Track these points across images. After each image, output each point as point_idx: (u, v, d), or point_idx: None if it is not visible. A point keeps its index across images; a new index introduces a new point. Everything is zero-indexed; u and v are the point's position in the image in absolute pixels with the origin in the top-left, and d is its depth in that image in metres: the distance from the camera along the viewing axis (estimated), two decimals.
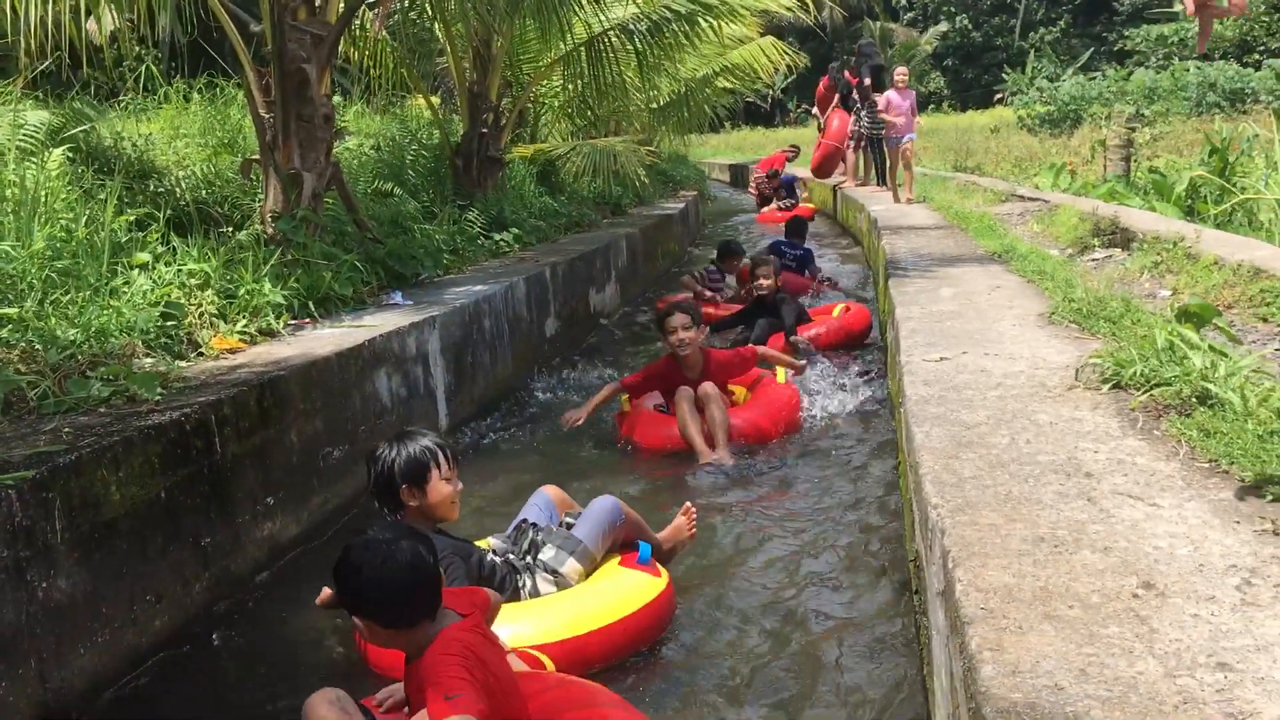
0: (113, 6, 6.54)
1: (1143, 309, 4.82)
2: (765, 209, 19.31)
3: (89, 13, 6.45)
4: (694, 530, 4.19)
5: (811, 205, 19.68)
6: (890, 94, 13.69)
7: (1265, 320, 4.85)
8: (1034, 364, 4.05)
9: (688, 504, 4.23)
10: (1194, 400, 3.17)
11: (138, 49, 10.69)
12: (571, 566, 3.73)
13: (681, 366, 6.02)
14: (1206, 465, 2.76)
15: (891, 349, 5.62)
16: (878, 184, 15.88)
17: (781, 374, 6.44)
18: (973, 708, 1.85)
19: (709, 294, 9.84)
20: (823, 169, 18.93)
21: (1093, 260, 7.66)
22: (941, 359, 4.26)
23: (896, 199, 13.57)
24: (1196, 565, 2.17)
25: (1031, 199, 12.07)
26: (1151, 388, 3.29)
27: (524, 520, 4.02)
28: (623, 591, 3.65)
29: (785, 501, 5.03)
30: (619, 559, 3.87)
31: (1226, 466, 2.72)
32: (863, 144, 16.49)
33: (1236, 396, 3.06)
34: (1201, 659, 1.82)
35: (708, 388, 5.79)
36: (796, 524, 4.67)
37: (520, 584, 3.70)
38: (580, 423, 6.00)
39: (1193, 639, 1.89)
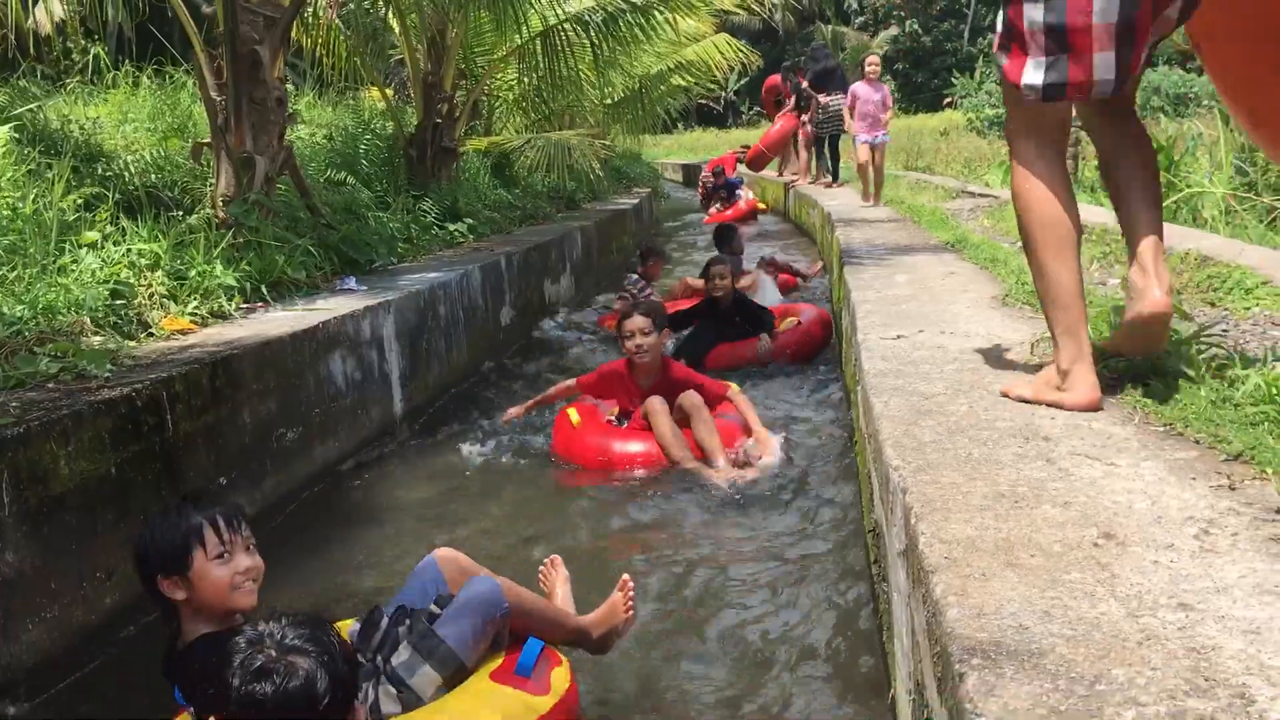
0: None
1: (1094, 293, 4.89)
2: (711, 209, 19.44)
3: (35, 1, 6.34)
4: (631, 610, 3.29)
5: (760, 204, 19.82)
6: (858, 86, 12.71)
7: (1213, 305, 4.94)
8: (989, 340, 4.09)
9: (625, 577, 3.32)
10: (1148, 370, 3.22)
11: (84, 42, 10.53)
12: (425, 677, 2.73)
13: (635, 374, 5.63)
14: (1162, 429, 2.80)
15: (847, 331, 5.65)
16: (827, 180, 16.00)
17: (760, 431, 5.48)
18: (938, 651, 1.86)
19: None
20: (753, 164, 20.30)
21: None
22: (898, 336, 4.29)
23: (867, 198, 12.58)
24: (1155, 517, 2.21)
25: (982, 195, 12.22)
26: (1107, 359, 3.34)
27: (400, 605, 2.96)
28: None
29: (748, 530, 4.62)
30: (497, 664, 2.84)
31: (1181, 430, 2.77)
32: (811, 145, 16.62)
33: (1189, 366, 3.11)
34: (1163, 600, 1.84)
35: (693, 398, 5.32)
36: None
37: (362, 697, 2.49)
38: (519, 418, 5.93)
39: (1153, 583, 1.91)
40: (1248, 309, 4.67)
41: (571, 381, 5.94)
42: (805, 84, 15.32)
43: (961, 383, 3.47)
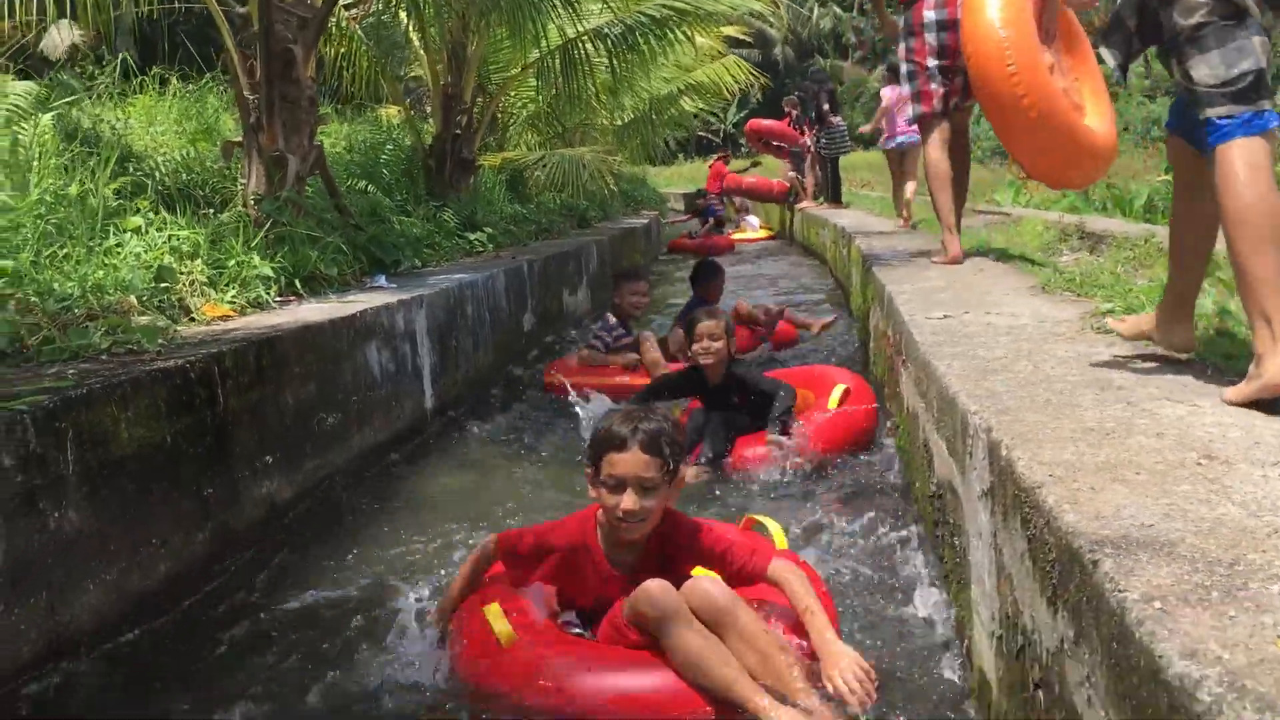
0: (70, 23, 6.47)
1: (1132, 280, 4.93)
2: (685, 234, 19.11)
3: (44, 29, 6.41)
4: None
5: (766, 228, 19.90)
6: (887, 91, 12.49)
7: None
8: (1038, 319, 4.12)
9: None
10: (1211, 333, 3.24)
11: (103, 51, 10.59)
12: None
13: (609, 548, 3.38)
14: (1237, 378, 2.82)
15: (885, 318, 5.63)
16: (830, 203, 16.11)
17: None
18: (1053, 558, 1.87)
19: (604, 355, 6.98)
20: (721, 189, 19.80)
21: (1063, 260, 7.81)
22: (945, 316, 4.32)
23: (900, 214, 11.35)
24: (1252, 442, 2.22)
25: (992, 213, 12.28)
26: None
27: None
28: None
29: None
30: None
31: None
32: (816, 164, 16.75)
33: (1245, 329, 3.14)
34: None
35: (711, 594, 2.73)
36: None
37: None
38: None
39: (1266, 492, 1.93)
40: None
41: (489, 541, 3.22)
42: (825, 106, 15.44)
43: (1020, 350, 3.49)
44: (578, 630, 3.08)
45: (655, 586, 2.68)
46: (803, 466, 4.93)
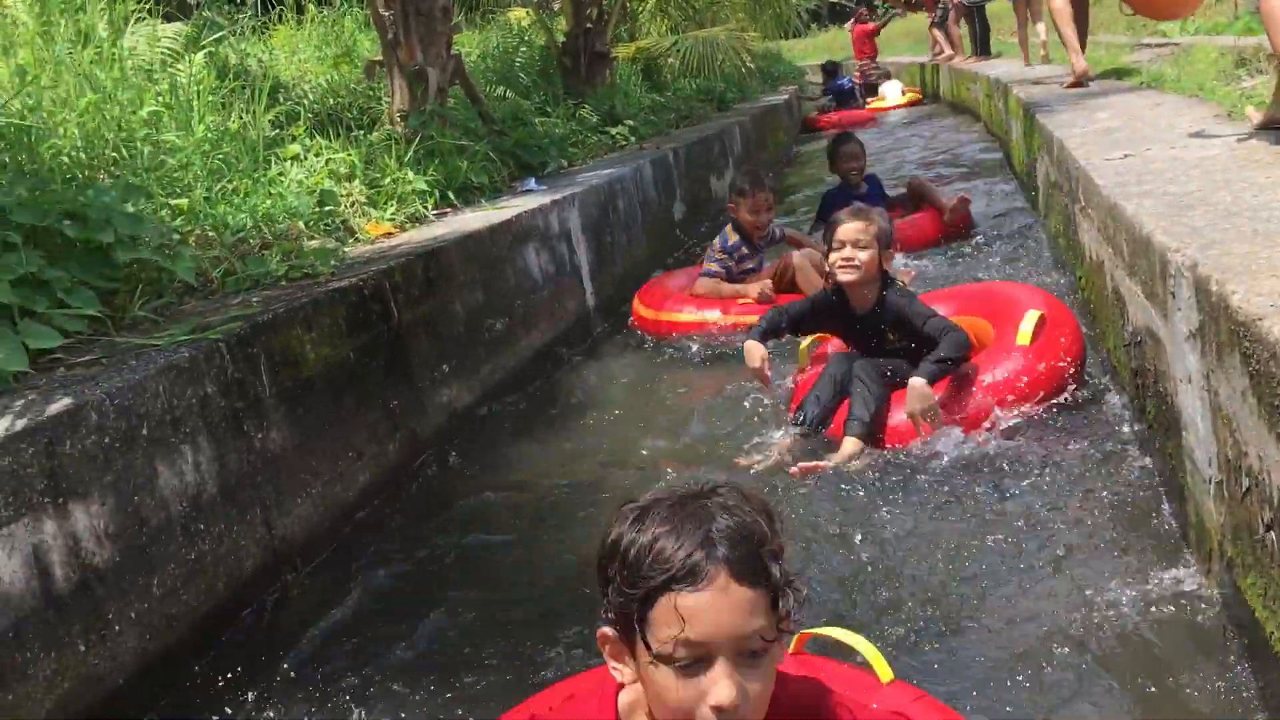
0: None
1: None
2: (871, 101, 18.47)
3: None
4: None
5: (913, 91, 19.05)
6: None
7: None
8: (1228, 148, 3.83)
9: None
10: None
11: None
12: None
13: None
14: None
15: (1055, 167, 5.35)
16: (977, 56, 15.30)
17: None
18: None
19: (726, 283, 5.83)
20: None
21: (1245, 85, 7.25)
22: (1125, 156, 4.06)
23: (1027, 60, 11.34)
24: None
25: (1160, 45, 11.47)
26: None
27: None
28: None
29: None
30: None
31: None
32: (961, 17, 15.90)
33: None
34: None
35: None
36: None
37: None
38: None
39: None
40: None
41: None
42: None
43: (1214, 181, 3.26)
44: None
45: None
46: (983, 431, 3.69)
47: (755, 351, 4.15)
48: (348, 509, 3.79)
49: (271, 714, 2.72)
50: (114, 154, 4.47)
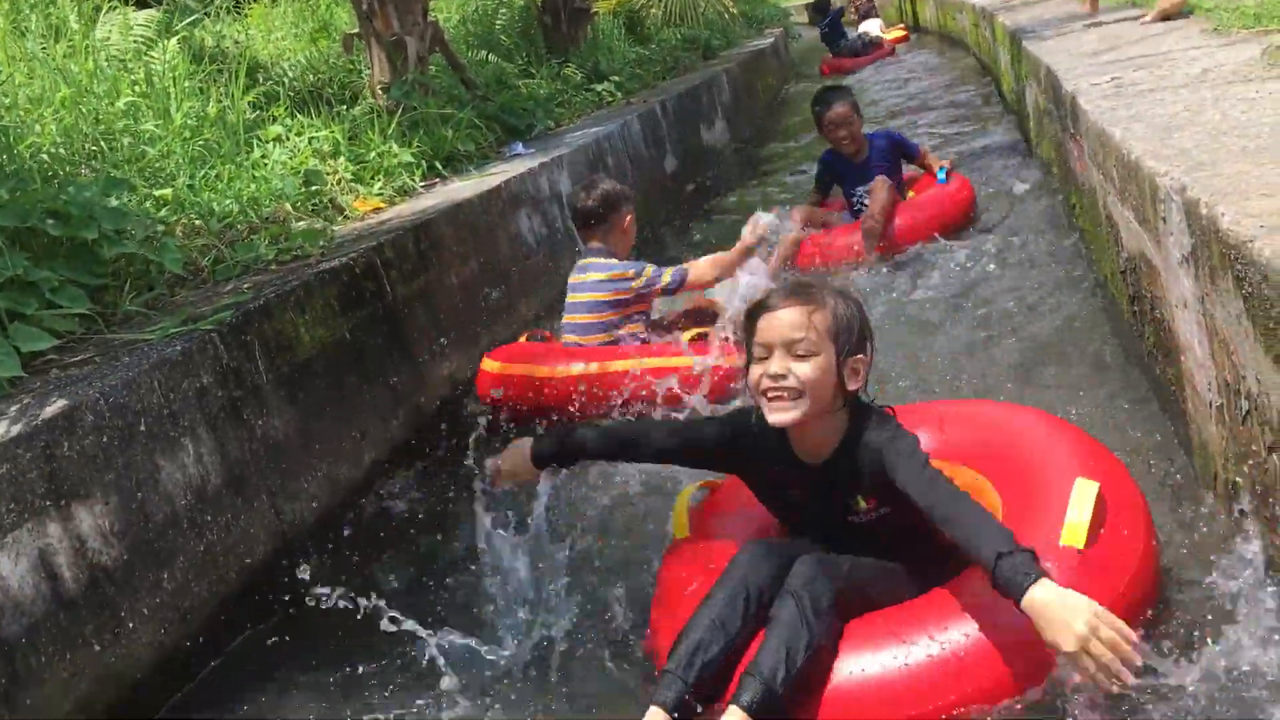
0: None
1: None
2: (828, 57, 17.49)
3: None
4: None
5: (900, 29, 18.56)
6: None
7: None
8: (1218, 63, 3.78)
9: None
10: None
11: None
12: None
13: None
14: None
15: (1044, 94, 5.27)
16: None
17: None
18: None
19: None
20: None
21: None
22: (1113, 79, 4.01)
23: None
24: None
25: None
26: None
27: None
28: None
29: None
30: None
31: None
32: None
33: None
34: None
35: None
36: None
37: None
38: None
39: None
40: None
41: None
42: None
43: (1203, 100, 3.21)
44: None
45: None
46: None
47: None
48: (356, 489, 3.79)
49: (295, 701, 2.72)
50: (93, 148, 4.44)
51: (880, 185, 5.30)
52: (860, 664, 2.06)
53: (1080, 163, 4.03)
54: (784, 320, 2.24)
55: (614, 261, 4.35)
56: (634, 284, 4.29)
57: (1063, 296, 4.22)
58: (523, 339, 4.49)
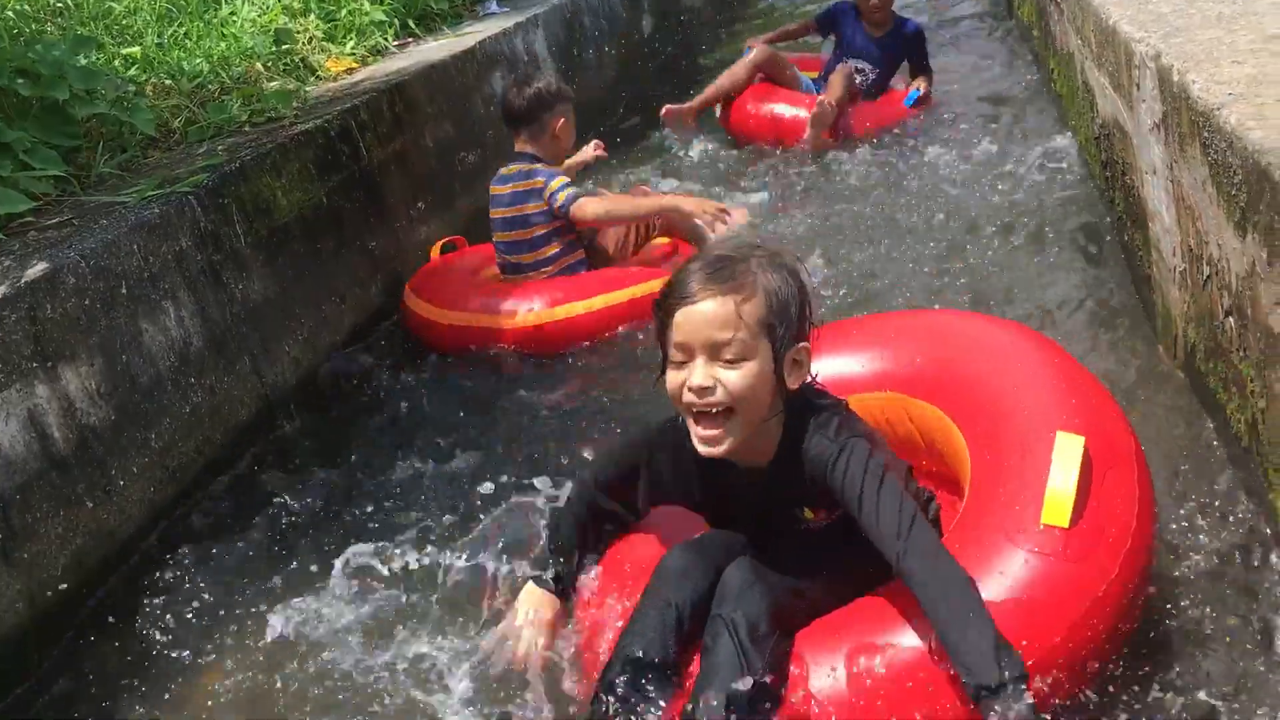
0: None
1: None
2: None
3: None
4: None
5: None
6: None
7: None
8: None
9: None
10: None
11: None
12: None
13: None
14: None
15: None
16: None
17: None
18: (1245, 171, 1.77)
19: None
20: None
21: None
22: None
23: None
24: None
25: None
26: None
27: None
28: None
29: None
30: None
31: None
32: None
33: None
34: None
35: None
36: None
37: None
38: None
39: None
40: None
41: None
42: None
43: None
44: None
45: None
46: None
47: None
48: (337, 349, 3.84)
49: (275, 551, 2.82)
50: (58, 3, 4.33)
51: (840, 74, 5.28)
52: (818, 682, 1.75)
53: (1060, 26, 4.01)
54: (706, 316, 1.78)
55: (537, 168, 3.87)
56: (544, 195, 3.82)
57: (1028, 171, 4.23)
58: (436, 250, 4.23)
